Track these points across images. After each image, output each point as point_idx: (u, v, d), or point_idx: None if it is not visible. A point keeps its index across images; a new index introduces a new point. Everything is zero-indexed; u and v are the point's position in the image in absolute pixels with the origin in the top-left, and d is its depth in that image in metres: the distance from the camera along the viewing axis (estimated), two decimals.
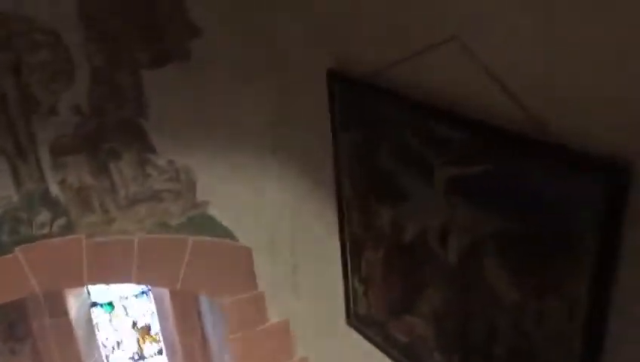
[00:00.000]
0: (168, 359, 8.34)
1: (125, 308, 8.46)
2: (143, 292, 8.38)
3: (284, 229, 3.44)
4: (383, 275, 2.63)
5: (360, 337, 2.92)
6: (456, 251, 2.13)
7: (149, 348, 8.62)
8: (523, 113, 1.74)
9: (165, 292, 7.36)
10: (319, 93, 2.62)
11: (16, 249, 3.14)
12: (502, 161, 1.83)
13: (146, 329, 8.56)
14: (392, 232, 2.44)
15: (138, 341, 8.58)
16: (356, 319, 2.94)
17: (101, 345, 8.24)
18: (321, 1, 2.60)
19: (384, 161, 2.36)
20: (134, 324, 8.52)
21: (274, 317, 3.70)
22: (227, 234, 3.43)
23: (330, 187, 2.80)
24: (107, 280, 4.65)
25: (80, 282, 3.43)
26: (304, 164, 3.11)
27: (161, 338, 8.42)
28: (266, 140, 3.19)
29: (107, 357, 8.39)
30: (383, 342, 2.76)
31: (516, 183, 1.79)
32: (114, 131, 3.09)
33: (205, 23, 2.98)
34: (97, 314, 8.22)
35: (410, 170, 2.24)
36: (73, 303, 7.08)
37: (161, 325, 8.25)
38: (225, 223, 3.39)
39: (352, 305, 2.93)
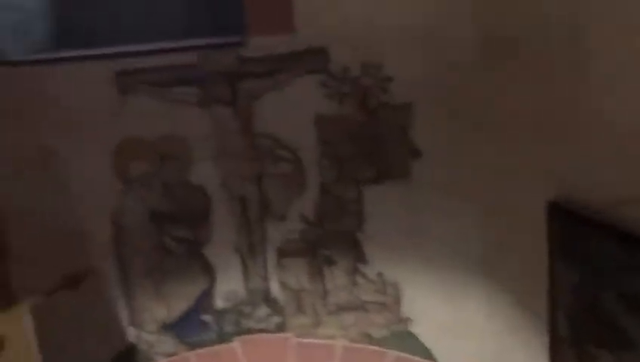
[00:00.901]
0: None
1: None
2: None
3: (487, 358, 3.31)
4: None
5: None
6: None
7: None
8: None
9: None
10: (537, 223, 2.58)
11: (235, 339, 3.46)
12: None
13: None
14: None
15: None
16: None
17: None
18: (548, 131, 2.61)
19: (608, 301, 2.21)
20: None
21: None
22: (427, 354, 3.39)
23: (543, 321, 2.67)
24: None
25: None
26: (515, 293, 3.01)
27: None
28: (477, 264, 3.18)
29: None
30: None
31: None
32: (333, 240, 3.34)
33: (427, 147, 3.17)
34: None
35: (639, 315, 2.07)
36: None
37: None
38: (426, 342, 3.37)
39: None
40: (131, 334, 3.35)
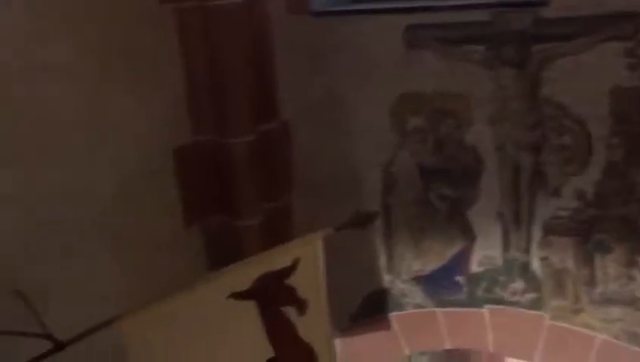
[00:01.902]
0: None
1: None
2: None
3: None
4: None
5: None
6: None
7: None
8: None
9: None
10: None
11: (485, 306, 3.40)
12: None
13: None
14: None
15: None
16: None
17: None
18: None
19: None
20: None
21: None
22: None
23: None
24: None
25: (529, 357, 3.47)
26: None
27: None
28: None
29: None
30: None
31: None
32: (610, 225, 3.04)
33: None
34: None
35: None
36: None
37: None
38: None
39: None
40: (386, 279, 3.51)
